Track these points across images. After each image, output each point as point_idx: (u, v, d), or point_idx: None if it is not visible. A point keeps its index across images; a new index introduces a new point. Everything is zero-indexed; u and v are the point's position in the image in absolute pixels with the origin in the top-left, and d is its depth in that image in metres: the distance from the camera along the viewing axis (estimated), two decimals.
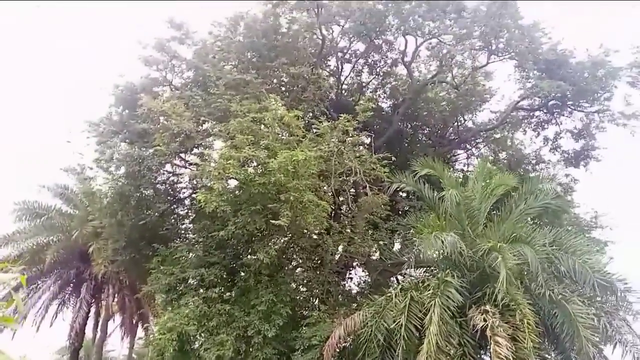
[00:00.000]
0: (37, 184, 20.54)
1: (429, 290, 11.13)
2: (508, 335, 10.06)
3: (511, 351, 9.71)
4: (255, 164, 13.18)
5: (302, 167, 12.12)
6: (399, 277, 17.74)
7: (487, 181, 13.62)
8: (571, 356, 12.56)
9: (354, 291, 17.81)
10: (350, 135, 13.30)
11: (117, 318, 25.50)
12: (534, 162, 20.89)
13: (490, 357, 13.29)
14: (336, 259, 16.82)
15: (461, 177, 16.11)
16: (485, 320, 10.25)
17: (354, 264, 19.03)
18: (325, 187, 13.95)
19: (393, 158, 13.60)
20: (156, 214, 16.00)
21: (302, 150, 12.15)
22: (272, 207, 12.32)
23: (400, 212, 18.07)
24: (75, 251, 19.87)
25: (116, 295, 21.26)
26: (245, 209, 12.96)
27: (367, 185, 13.98)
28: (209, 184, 12.74)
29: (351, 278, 19.27)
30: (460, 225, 12.68)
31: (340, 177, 14.18)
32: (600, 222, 19.66)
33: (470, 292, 11.74)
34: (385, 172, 13.53)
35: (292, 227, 13.54)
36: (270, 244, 13.67)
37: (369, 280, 18.09)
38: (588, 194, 20.66)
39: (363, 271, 19.77)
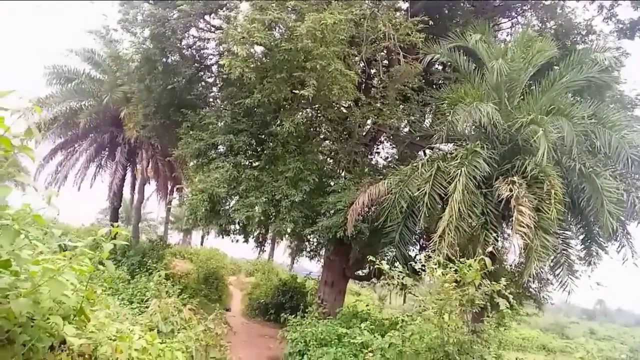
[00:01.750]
0: (65, 48, 20.42)
1: (457, 159, 11.01)
2: (532, 206, 10.07)
3: (534, 221, 9.79)
4: (281, 28, 12.51)
5: (331, 31, 11.43)
6: (427, 151, 17.69)
7: (527, 50, 12.69)
8: (593, 230, 12.73)
9: (381, 165, 17.96)
10: None
11: (153, 183, 26.93)
12: (584, 32, 19.25)
13: (512, 227, 13.74)
14: (364, 131, 16.72)
15: (502, 47, 15.01)
16: (511, 190, 10.22)
17: (382, 137, 18.95)
18: (355, 56, 13.29)
19: (430, 23, 12.56)
20: (183, 79, 15.81)
21: (331, 13, 11.36)
22: (298, 76, 11.91)
23: (433, 85, 17.39)
24: (108, 116, 20.27)
25: (150, 159, 22.05)
26: (271, 76, 12.62)
27: (401, 53, 13.24)
28: (234, 50, 12.27)
29: (378, 152, 19.35)
30: (497, 97, 12.14)
31: (372, 44, 13.43)
32: None
33: (499, 164, 11.61)
34: (420, 39, 12.64)
35: (319, 97, 13.27)
36: (297, 114, 13.53)
37: (396, 154, 18.13)
38: (637, 70, 19.32)
39: (391, 146, 19.78)
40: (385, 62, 15.49)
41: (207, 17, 16.14)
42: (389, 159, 18.14)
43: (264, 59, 13.26)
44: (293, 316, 13.60)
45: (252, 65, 11.90)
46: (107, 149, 21.57)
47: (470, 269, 5.79)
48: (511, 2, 19.65)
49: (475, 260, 5.93)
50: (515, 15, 20.77)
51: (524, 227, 9.48)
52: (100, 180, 23.32)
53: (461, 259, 6.54)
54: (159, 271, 10.11)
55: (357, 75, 12.16)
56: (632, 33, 18.17)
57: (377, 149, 19.37)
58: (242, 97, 13.20)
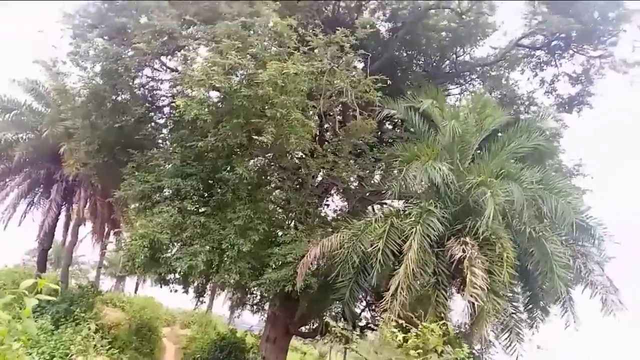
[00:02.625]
0: (7, 78, 19.32)
1: (411, 217, 10.95)
2: (485, 267, 10.05)
3: (486, 283, 9.73)
4: (241, 73, 12.36)
5: (291, 82, 11.38)
6: (376, 207, 17.69)
7: (480, 115, 13.18)
8: (538, 294, 12.88)
9: (330, 217, 17.75)
10: (346, 52, 12.44)
11: (89, 224, 25.29)
12: (527, 103, 20.45)
13: (460, 288, 13.69)
14: (317, 182, 16.55)
15: (453, 110, 15.54)
16: (464, 251, 10.19)
17: (333, 191, 18.87)
18: (314, 107, 13.28)
19: (388, 82, 12.82)
20: (132, 119, 15.19)
21: (293, 64, 11.36)
22: (256, 123, 11.69)
23: (385, 143, 17.67)
24: (46, 151, 19.01)
25: (88, 200, 20.73)
26: (226, 121, 12.32)
27: (357, 109, 13.37)
28: (190, 92, 11.95)
29: (328, 205, 19.19)
30: (449, 157, 12.37)
31: (329, 99, 13.52)
32: (582, 170, 19.64)
33: (451, 224, 11.65)
34: (378, 97, 12.84)
35: (275, 145, 13.04)
36: (250, 160, 13.20)
37: (347, 208, 18.03)
38: (572, 141, 20.58)
39: (341, 199, 19.71)
40: (340, 117, 15.64)
41: (163, 58, 15.83)
42: (339, 213, 18.00)
43: (220, 103, 12.97)
44: None
45: (207, 109, 11.55)
46: (41, 185, 20.13)
47: (432, 334, 5.49)
48: (460, 70, 20.71)
49: (435, 324, 5.63)
50: (464, 82, 21.88)
51: (477, 288, 9.38)
52: (30, 219, 21.63)
53: (418, 322, 6.27)
54: (87, 323, 9.10)
55: (314, 127, 12.03)
56: (570, 107, 19.43)
57: (327, 201, 19.23)
58: (194, 140, 12.72)
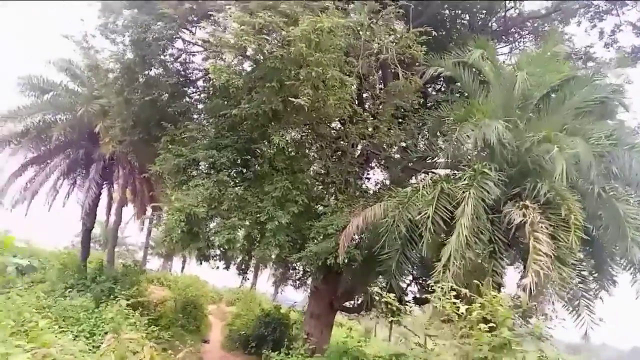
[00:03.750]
0: (44, 59, 19.26)
1: (464, 181, 9.96)
2: (548, 233, 9.00)
3: (551, 249, 8.71)
4: (273, 34, 11.53)
5: (327, 37, 10.47)
6: (421, 177, 16.69)
7: (541, 68, 11.88)
8: (605, 261, 11.66)
9: (371, 191, 16.93)
10: (386, 4, 11.38)
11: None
12: (584, 58, 18.72)
13: (515, 258, 12.63)
14: (357, 152, 15.67)
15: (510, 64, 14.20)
16: (524, 215, 9.16)
17: (373, 163, 17.98)
18: (351, 70, 12.34)
19: (432, 37, 11.68)
20: (165, 93, 14.77)
21: (328, 17, 10.43)
22: (290, 86, 10.88)
23: (429, 107, 16.55)
24: (83, 130, 18.97)
25: (127, 178, 20.66)
26: (260, 87, 11.59)
27: (399, 67, 12.34)
28: (221, 55, 11.25)
29: (369, 178, 18.30)
30: (505, 115, 11.21)
31: (369, 58, 12.53)
32: None
33: (507, 187, 10.58)
34: (422, 51, 11.75)
35: (312, 110, 12.25)
36: (287, 129, 12.46)
37: (389, 179, 17.12)
38: (636, 98, 18.75)
39: (382, 170, 18.80)
40: (380, 78, 14.59)
41: (192, 28, 15.23)
42: (380, 186, 17.12)
43: (252, 69, 12.25)
44: (276, 353, 12.20)
45: (239, 73, 10.83)
46: (82, 165, 20.17)
47: (501, 306, 4.64)
48: (509, 27, 19.14)
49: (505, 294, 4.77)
50: (513, 40, 20.29)
51: (541, 255, 8.37)
52: (75, 200, 21.83)
53: (472, 295, 5.45)
54: (117, 300, 8.72)
55: (353, 85, 11.09)
56: (634, 60, 17.61)
57: (368, 174, 18.36)
58: (227, 108, 12.05)
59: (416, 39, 11.67)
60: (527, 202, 9.58)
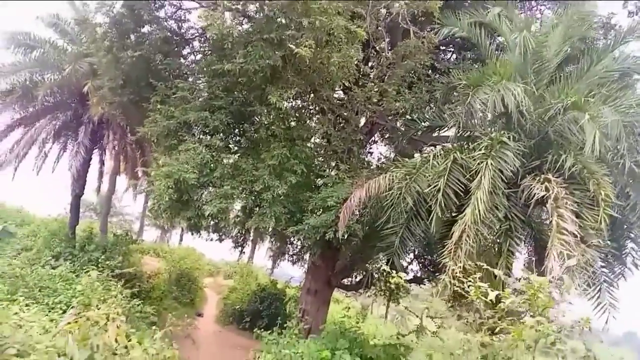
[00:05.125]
0: (33, 14, 18.02)
1: (480, 150, 8.97)
2: (573, 210, 8.07)
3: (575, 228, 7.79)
4: None
5: None
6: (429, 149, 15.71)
7: (562, 29, 10.78)
8: (626, 245, 10.76)
9: (374, 164, 15.97)
10: None
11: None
12: (605, 28, 17.44)
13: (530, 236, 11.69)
14: (361, 121, 14.63)
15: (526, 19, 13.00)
16: (547, 189, 8.21)
17: (376, 136, 16.97)
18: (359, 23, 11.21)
19: None
20: (158, 53, 13.71)
21: None
22: (291, 37, 9.78)
23: (440, 74, 15.45)
24: (72, 91, 17.88)
25: (117, 142, 19.66)
26: (257, 40, 10.51)
27: (409, 24, 11.21)
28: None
29: (371, 152, 17.29)
30: (522, 79, 10.17)
31: (377, 13, 11.41)
32: None
33: (526, 159, 9.61)
34: (438, 5, 10.59)
35: (314, 71, 11.19)
36: (286, 91, 11.37)
37: (393, 151, 16.15)
38: None
39: (386, 144, 17.81)
40: (388, 39, 13.42)
41: None
42: (382, 160, 16.14)
43: (248, 21, 11.15)
44: (269, 332, 11.43)
45: (234, 24, 9.74)
46: (71, 128, 19.13)
47: (542, 291, 3.73)
48: None
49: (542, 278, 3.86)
50: (529, 8, 19.02)
51: (566, 234, 7.46)
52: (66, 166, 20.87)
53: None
54: (87, 271, 7.86)
55: (363, 35, 9.93)
56: None
57: (370, 148, 17.36)
58: (221, 64, 10.95)
59: None
60: (550, 176, 8.62)
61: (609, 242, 10.72)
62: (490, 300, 3.94)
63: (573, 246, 7.36)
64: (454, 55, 17.06)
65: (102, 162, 21.39)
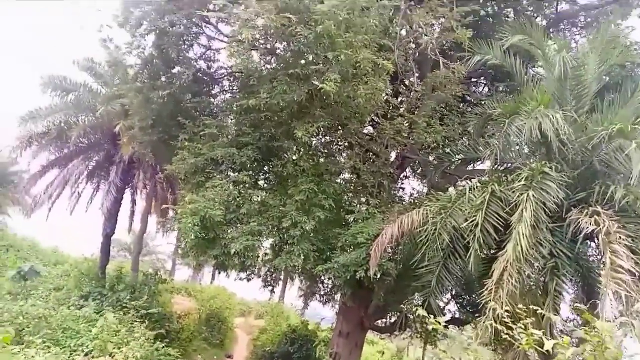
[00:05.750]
0: (69, 59, 18.73)
1: (520, 181, 8.38)
2: (627, 245, 7.34)
3: (631, 265, 7.04)
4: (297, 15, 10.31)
5: (359, 16, 9.17)
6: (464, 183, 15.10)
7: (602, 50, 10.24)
8: None
9: (406, 200, 15.43)
10: None
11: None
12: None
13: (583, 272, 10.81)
14: (391, 156, 14.23)
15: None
16: (597, 224, 7.52)
17: (407, 171, 16.51)
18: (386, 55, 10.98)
19: (482, 12, 10.22)
20: (188, 93, 13.86)
21: None
22: (317, 71, 9.60)
23: (471, 105, 15.00)
24: (105, 132, 18.25)
25: (148, 181, 19.77)
26: (282, 75, 10.38)
27: (439, 55, 10.91)
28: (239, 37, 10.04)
29: (403, 188, 16.77)
30: (561, 107, 9.62)
31: (406, 45, 11.17)
32: None
33: (570, 191, 8.94)
34: (468, 35, 10.27)
35: (341, 104, 10.93)
36: (313, 125, 11.13)
37: (426, 185, 15.61)
38: None
39: (417, 179, 17.31)
40: (417, 71, 13.14)
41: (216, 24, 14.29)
42: (415, 195, 15.61)
43: (274, 57, 11.07)
44: None
45: (259, 60, 9.64)
46: (104, 169, 19.44)
47: (609, 338, 3.16)
48: (559, 20, 17.41)
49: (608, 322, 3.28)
50: (563, 37, 18.53)
51: (621, 273, 6.73)
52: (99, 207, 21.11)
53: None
54: (137, 312, 7.54)
55: (390, 68, 9.63)
56: None
57: (402, 183, 16.83)
58: (245, 99, 10.83)
59: (461, 21, 10.20)
60: (599, 208, 7.94)
61: None
62: (547, 351, 3.38)
63: (631, 285, 6.61)
64: (487, 88, 16.64)
65: (133, 202, 21.56)
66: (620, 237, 7.26)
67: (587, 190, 8.88)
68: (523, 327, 3.95)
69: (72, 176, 18.49)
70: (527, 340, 3.68)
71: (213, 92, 16.21)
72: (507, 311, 6.35)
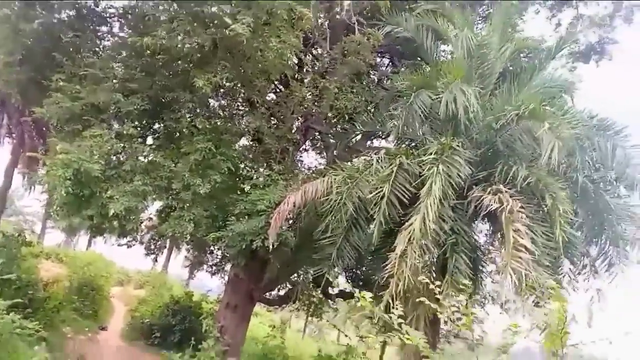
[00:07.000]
0: None
1: (429, 155, 8.15)
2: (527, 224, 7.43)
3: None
4: None
5: None
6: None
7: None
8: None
9: (308, 168, 14.91)
10: None
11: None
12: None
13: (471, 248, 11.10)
14: (295, 124, 13.53)
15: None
16: (500, 201, 7.52)
17: (307, 143, 15.95)
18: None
19: None
20: (70, 32, 11.87)
21: None
22: (224, 15, 8.50)
23: (374, 79, 14.76)
24: None
25: (13, 128, 17.03)
26: (184, 16, 9.11)
27: (354, 19, 10.34)
28: None
29: (302, 161, 16.18)
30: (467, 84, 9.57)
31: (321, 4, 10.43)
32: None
33: (473, 169, 8.94)
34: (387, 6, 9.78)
35: (248, 58, 9.94)
36: (215, 77, 9.97)
37: (327, 159, 15.22)
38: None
39: (318, 152, 16.84)
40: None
41: None
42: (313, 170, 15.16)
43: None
44: (179, 355, 9.86)
45: None
46: None
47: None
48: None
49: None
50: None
51: (521, 250, 6.75)
52: None
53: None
54: None
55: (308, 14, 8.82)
56: (587, 56, 16.93)
57: (301, 156, 16.20)
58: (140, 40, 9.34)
59: None
60: (501, 187, 7.98)
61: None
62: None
63: (530, 263, 6.66)
64: (392, 64, 16.47)
65: None
66: (522, 216, 7.31)
67: (488, 169, 8.95)
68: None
69: None
70: (467, 320, 3.24)
71: (99, 34, 14.23)
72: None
